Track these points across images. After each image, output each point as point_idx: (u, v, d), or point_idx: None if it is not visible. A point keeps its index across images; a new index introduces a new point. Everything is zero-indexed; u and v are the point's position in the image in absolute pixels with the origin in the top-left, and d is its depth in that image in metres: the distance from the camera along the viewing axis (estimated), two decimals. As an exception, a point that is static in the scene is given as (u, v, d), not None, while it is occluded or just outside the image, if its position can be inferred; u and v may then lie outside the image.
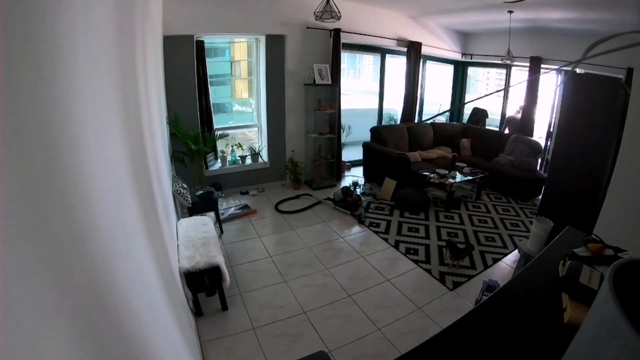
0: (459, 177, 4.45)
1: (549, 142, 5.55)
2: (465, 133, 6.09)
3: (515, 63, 5.45)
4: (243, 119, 5.13)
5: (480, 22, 5.53)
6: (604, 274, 0.85)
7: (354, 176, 5.61)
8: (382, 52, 5.84)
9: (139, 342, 0.70)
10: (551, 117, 5.60)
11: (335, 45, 4.80)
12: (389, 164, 4.75)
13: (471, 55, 6.64)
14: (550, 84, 5.88)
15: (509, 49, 5.20)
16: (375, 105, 6.28)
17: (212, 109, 4.38)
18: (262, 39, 4.48)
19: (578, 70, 4.57)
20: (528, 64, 5.52)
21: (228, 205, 4.23)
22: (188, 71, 3.99)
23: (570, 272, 0.95)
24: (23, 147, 0.36)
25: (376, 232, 3.75)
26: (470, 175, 4.58)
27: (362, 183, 5.11)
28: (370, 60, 6.21)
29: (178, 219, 3.05)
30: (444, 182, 4.29)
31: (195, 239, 2.53)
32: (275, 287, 2.78)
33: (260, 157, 4.88)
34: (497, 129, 6.48)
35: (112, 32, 0.93)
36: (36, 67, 0.41)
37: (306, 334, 2.29)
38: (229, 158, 4.71)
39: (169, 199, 2.53)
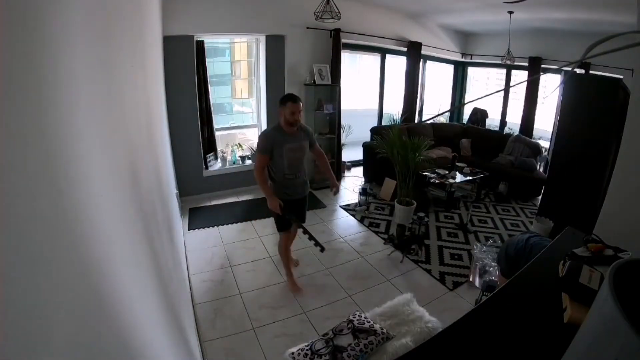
0: (459, 177, 4.45)
1: (550, 143, 5.55)
2: (465, 133, 6.09)
3: (515, 63, 5.45)
4: (243, 119, 5.13)
5: (480, 22, 5.54)
6: (604, 274, 0.85)
7: (355, 176, 5.61)
8: (382, 52, 5.84)
9: (139, 343, 0.70)
10: (555, 119, 5.60)
11: (335, 45, 4.80)
12: (388, 164, 4.75)
13: (471, 55, 6.64)
14: (554, 84, 5.88)
15: (509, 49, 5.20)
16: (375, 105, 6.28)
17: (212, 109, 4.38)
18: (262, 39, 4.48)
19: (578, 71, 4.57)
20: (527, 64, 5.52)
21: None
22: (188, 71, 3.99)
23: (570, 272, 0.95)
24: (21, 149, 0.36)
25: (376, 232, 3.75)
26: (470, 175, 4.58)
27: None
28: (370, 60, 6.21)
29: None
30: (444, 182, 4.29)
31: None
32: (275, 287, 2.77)
33: (260, 157, 4.87)
34: (497, 129, 6.48)
35: (111, 33, 0.93)
36: (35, 69, 0.41)
37: (306, 334, 2.29)
38: (229, 158, 4.71)
39: (170, 200, 2.52)
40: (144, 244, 1.01)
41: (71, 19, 0.56)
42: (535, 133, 5.85)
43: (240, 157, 4.77)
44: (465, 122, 6.71)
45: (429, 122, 6.21)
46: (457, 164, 4.77)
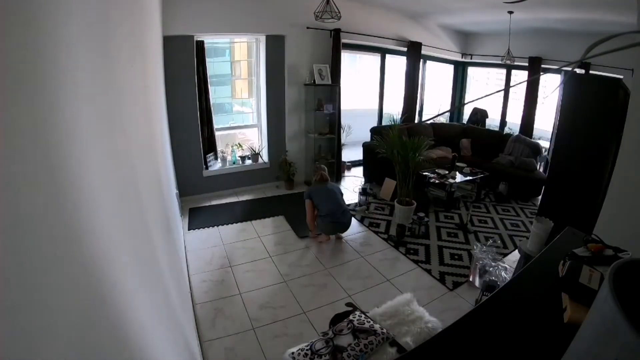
0: (459, 177, 4.45)
1: (550, 143, 5.55)
2: (465, 133, 6.09)
3: (515, 63, 5.46)
4: (243, 119, 5.13)
5: (480, 22, 5.54)
6: (604, 274, 0.85)
7: (355, 176, 5.62)
8: (382, 52, 5.84)
9: (139, 342, 0.70)
10: (555, 119, 5.60)
11: (335, 45, 4.80)
12: (389, 164, 4.75)
13: (471, 55, 6.64)
14: (554, 84, 5.89)
15: (509, 49, 5.20)
16: (375, 105, 6.28)
17: (212, 108, 4.38)
18: (262, 39, 4.48)
19: (578, 71, 4.58)
20: (527, 64, 5.52)
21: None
22: (188, 71, 3.99)
23: (570, 272, 0.95)
24: (21, 150, 0.36)
25: (376, 232, 3.75)
26: (470, 175, 4.58)
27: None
28: (370, 60, 6.22)
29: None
30: (444, 182, 4.29)
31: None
32: (275, 287, 2.78)
33: (261, 157, 4.88)
34: (497, 129, 6.47)
35: (111, 33, 0.93)
36: (35, 69, 0.41)
37: (306, 334, 2.29)
38: (229, 158, 4.71)
39: (170, 200, 2.52)
40: (144, 244, 1.01)
41: (71, 20, 0.56)
42: (535, 133, 5.85)
43: (240, 157, 4.77)
44: (465, 122, 6.71)
45: (429, 122, 6.21)
46: (457, 164, 4.78)
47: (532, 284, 1.06)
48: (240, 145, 4.89)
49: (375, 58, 6.02)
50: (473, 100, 7.50)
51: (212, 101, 4.37)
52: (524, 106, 5.72)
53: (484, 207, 4.55)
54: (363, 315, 1.82)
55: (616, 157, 2.05)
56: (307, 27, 4.51)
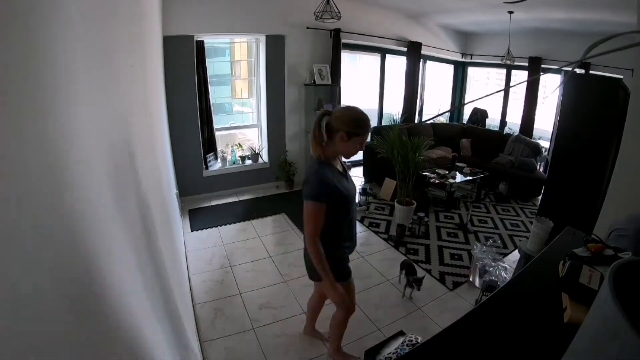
0: (459, 177, 4.45)
1: (550, 143, 5.55)
2: (465, 133, 6.09)
3: (515, 63, 5.46)
4: (243, 119, 5.13)
5: (480, 22, 5.54)
6: (604, 274, 0.85)
7: (355, 176, 5.61)
8: (382, 52, 5.83)
9: (139, 343, 0.70)
10: (555, 118, 5.60)
11: (335, 45, 4.80)
12: (389, 164, 4.75)
13: (471, 55, 6.64)
14: (554, 84, 5.88)
15: (509, 49, 5.20)
16: (375, 105, 6.27)
17: (212, 108, 4.38)
18: (262, 39, 4.48)
19: (578, 71, 4.57)
20: (527, 64, 5.52)
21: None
22: (188, 71, 3.99)
23: (570, 272, 0.95)
24: (21, 150, 0.36)
25: (376, 232, 3.75)
26: (470, 176, 4.58)
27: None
28: (370, 60, 6.22)
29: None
30: (444, 182, 4.29)
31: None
32: (275, 287, 2.77)
33: (261, 157, 4.88)
34: (497, 129, 6.47)
35: (111, 33, 0.93)
36: (35, 69, 0.41)
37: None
38: (229, 158, 4.71)
39: (170, 201, 2.52)
40: (143, 244, 1.01)
41: (70, 20, 0.56)
42: (535, 133, 5.85)
43: (240, 157, 4.77)
44: (465, 122, 6.71)
45: (429, 122, 6.21)
46: (457, 164, 4.77)
47: (532, 284, 1.06)
48: (240, 145, 4.89)
49: (375, 58, 6.01)
50: (473, 100, 7.49)
51: (212, 101, 4.36)
52: (524, 106, 5.72)
53: (484, 207, 4.55)
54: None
55: (616, 157, 2.05)
56: (307, 27, 4.51)
